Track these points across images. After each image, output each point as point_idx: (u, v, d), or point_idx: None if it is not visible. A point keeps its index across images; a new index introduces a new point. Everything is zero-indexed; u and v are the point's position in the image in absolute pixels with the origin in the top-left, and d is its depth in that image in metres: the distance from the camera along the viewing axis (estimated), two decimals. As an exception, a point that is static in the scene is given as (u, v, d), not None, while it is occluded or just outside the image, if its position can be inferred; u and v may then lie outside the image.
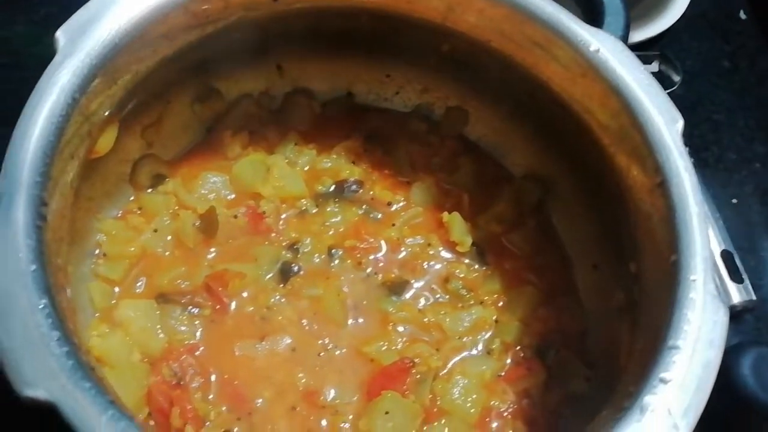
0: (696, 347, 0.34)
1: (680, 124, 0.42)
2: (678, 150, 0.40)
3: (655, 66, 0.79)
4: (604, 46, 0.43)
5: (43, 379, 0.28)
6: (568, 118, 0.50)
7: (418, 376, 0.51)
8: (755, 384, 0.56)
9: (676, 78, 0.77)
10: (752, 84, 0.82)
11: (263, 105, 0.60)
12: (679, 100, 0.78)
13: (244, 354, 0.51)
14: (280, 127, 0.60)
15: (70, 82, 0.36)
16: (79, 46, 0.37)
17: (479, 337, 0.54)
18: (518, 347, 0.53)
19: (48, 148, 0.34)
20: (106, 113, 0.41)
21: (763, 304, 0.68)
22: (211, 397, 0.49)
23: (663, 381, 0.33)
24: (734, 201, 0.74)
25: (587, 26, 0.45)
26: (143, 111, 0.50)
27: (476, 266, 0.56)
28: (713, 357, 0.34)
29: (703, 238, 0.37)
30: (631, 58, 0.44)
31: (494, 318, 0.54)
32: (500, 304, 0.55)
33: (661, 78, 0.78)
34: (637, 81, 0.42)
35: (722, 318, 0.35)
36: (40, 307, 0.30)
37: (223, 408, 0.49)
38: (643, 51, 0.78)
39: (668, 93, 0.76)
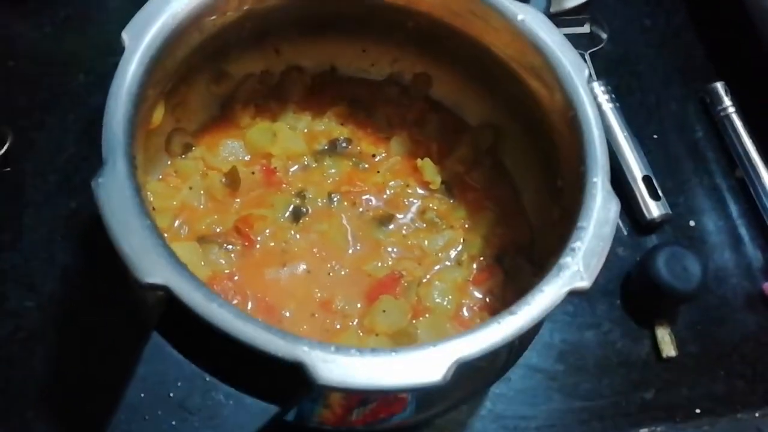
0: (596, 226, 0.48)
1: (586, 71, 0.55)
2: (584, 90, 0.54)
3: (586, 27, 0.92)
4: (528, 16, 0.57)
5: (158, 270, 0.42)
6: (507, 74, 0.63)
7: (406, 284, 0.63)
8: (667, 273, 0.72)
9: (604, 36, 0.91)
10: (669, 37, 0.96)
11: (265, 82, 0.72)
12: (607, 55, 0.94)
13: (271, 277, 0.63)
14: (280, 100, 0.72)
15: (138, 70, 0.48)
16: (140, 43, 0.49)
17: (451, 252, 0.67)
18: (481, 257, 0.66)
19: (131, 119, 0.47)
20: (159, 93, 0.54)
21: (678, 217, 0.83)
22: (249, 310, 0.63)
23: (573, 249, 0.48)
24: (655, 136, 0.88)
25: (515, 2, 0.59)
26: (173, 92, 0.62)
27: (445, 200, 0.69)
28: (607, 231, 0.48)
29: (602, 152, 0.51)
30: (548, 24, 0.57)
31: (462, 238, 0.68)
32: (466, 226, 0.68)
33: (592, 37, 0.91)
34: (553, 41, 0.56)
35: (614, 206, 0.50)
36: (147, 225, 0.43)
37: (260, 318, 0.62)
38: (576, 15, 0.91)
39: (598, 50, 0.92)
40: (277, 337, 0.41)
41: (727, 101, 0.89)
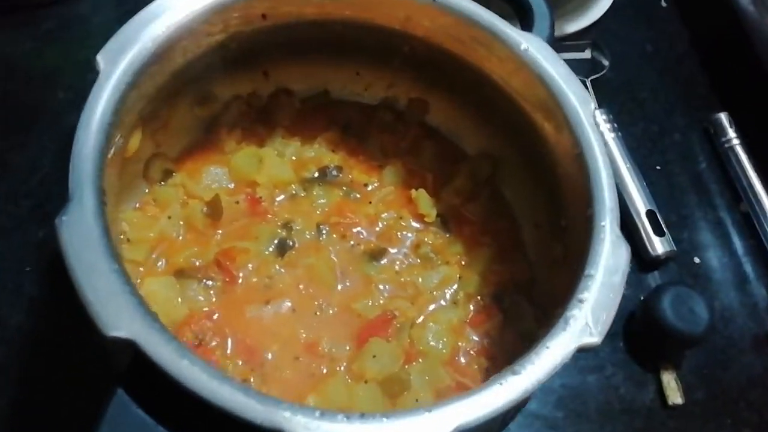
0: (605, 275, 0.45)
1: (592, 106, 0.52)
2: (591, 127, 0.51)
3: (587, 53, 0.89)
4: (532, 45, 0.54)
5: (124, 322, 0.38)
6: (508, 104, 0.60)
7: (398, 326, 0.60)
8: (672, 315, 0.68)
9: (606, 63, 0.88)
10: (672, 64, 0.93)
11: (252, 104, 0.69)
12: (608, 82, 0.91)
13: (253, 316, 0.59)
14: (268, 124, 0.69)
15: (113, 96, 0.44)
16: (116, 67, 0.46)
17: (446, 290, 0.63)
18: (478, 296, 0.63)
19: (102, 149, 0.43)
20: (136, 118, 0.50)
21: (682, 254, 0.80)
22: (228, 353, 0.58)
23: (581, 300, 0.44)
24: (658, 167, 0.86)
25: (518, 30, 0.56)
26: (153, 116, 0.58)
27: (441, 233, 0.66)
28: (618, 281, 0.45)
29: (610, 194, 0.48)
30: (553, 54, 0.54)
31: (458, 275, 0.64)
32: (462, 263, 0.65)
33: (593, 63, 0.88)
34: (558, 73, 0.53)
35: (624, 253, 0.46)
36: (115, 270, 0.39)
37: (239, 362, 0.57)
38: (577, 41, 0.88)
39: (599, 76, 0.89)
40: (255, 401, 0.37)
41: (731, 132, 0.87)
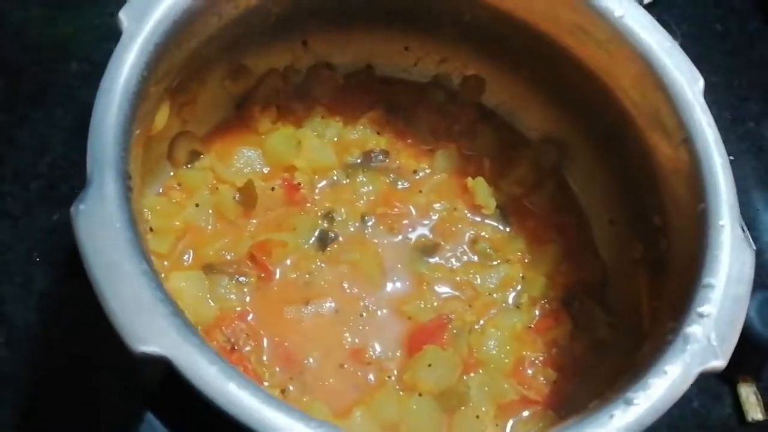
0: (728, 284, 0.38)
1: (701, 83, 0.45)
2: (701, 107, 0.43)
3: (653, 31, 0.81)
4: (628, 12, 0.46)
5: (155, 336, 0.31)
6: (587, 83, 0.53)
7: (455, 331, 0.54)
8: (760, 323, 0.61)
9: (675, 42, 0.80)
10: (744, 45, 0.85)
11: (289, 79, 0.61)
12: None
13: (292, 317, 0.53)
14: (306, 101, 0.62)
15: (139, 60, 0.37)
16: (142, 26, 0.38)
17: (508, 292, 0.57)
18: (544, 300, 0.56)
19: (126, 124, 0.36)
20: (163, 90, 0.43)
21: (761, 253, 0.72)
22: (264, 359, 0.52)
23: (701, 315, 0.37)
24: (731, 158, 0.77)
25: (608, -5, 0.48)
26: (181, 89, 0.51)
27: (501, 227, 0.59)
28: (743, 292, 0.38)
29: (728, 187, 0.41)
30: (653, 22, 0.46)
31: (521, 275, 0.58)
32: (525, 261, 0.58)
33: (660, 42, 0.81)
34: (659, 44, 0.45)
35: (749, 258, 0.39)
36: (142, 271, 0.32)
37: (277, 369, 0.51)
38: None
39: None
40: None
41: (810, 120, 0.78)
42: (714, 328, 0.36)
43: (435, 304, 0.55)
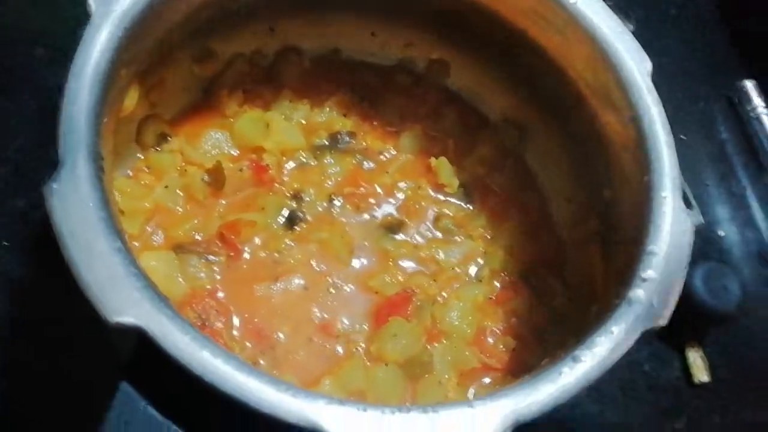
0: (669, 251, 0.41)
1: (649, 65, 0.47)
2: (647, 87, 0.46)
3: (609, 15, 0.84)
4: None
5: (130, 307, 0.32)
6: (544, 66, 0.55)
7: (419, 304, 0.56)
8: (705, 292, 0.64)
9: (630, 27, 0.83)
10: (696, 29, 0.88)
11: (256, 63, 0.62)
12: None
13: (261, 294, 0.54)
14: (273, 85, 0.63)
15: (109, 42, 0.38)
16: (112, 9, 0.39)
17: (470, 266, 0.59)
18: (504, 273, 0.59)
19: (98, 106, 0.37)
20: (133, 73, 0.44)
21: (708, 226, 0.76)
22: (235, 334, 0.53)
23: (644, 279, 0.39)
24: (682, 137, 0.81)
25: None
26: (150, 72, 0.52)
27: (463, 205, 0.62)
28: (683, 258, 0.41)
29: (671, 161, 0.44)
30: (604, 8, 0.49)
31: (482, 250, 0.60)
32: (487, 237, 0.61)
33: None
34: (610, 28, 0.48)
35: (689, 226, 0.42)
36: (116, 248, 0.33)
37: (247, 344, 0.53)
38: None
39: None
40: (289, 395, 0.32)
41: (756, 101, 0.82)
42: (656, 292, 0.39)
43: (400, 278, 0.57)
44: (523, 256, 0.60)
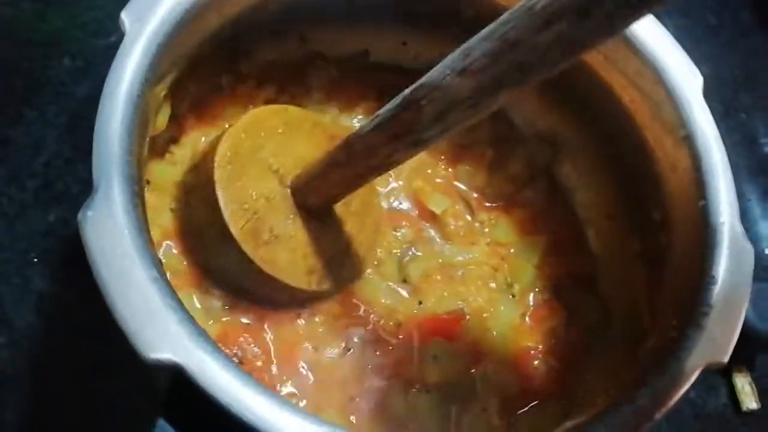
0: (729, 282, 0.38)
1: (700, 80, 0.45)
2: (700, 105, 0.44)
3: (646, 23, 0.82)
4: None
5: (167, 343, 0.31)
6: (586, 79, 0.53)
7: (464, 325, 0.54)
8: (753, 315, 0.62)
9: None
10: (736, 37, 0.86)
11: (286, 72, 0.61)
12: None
13: None
14: (301, 90, 0.62)
15: (142, 62, 0.37)
16: (146, 27, 0.38)
17: (500, 283, 0.57)
18: (536, 290, 0.57)
19: (131, 128, 0.35)
20: (165, 91, 0.43)
21: (753, 244, 0.73)
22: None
23: (703, 313, 0.37)
24: (723, 150, 0.78)
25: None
26: (180, 87, 0.51)
27: (493, 220, 0.60)
28: (744, 289, 0.38)
29: (728, 185, 0.41)
30: (651, 20, 0.47)
31: (511, 266, 0.58)
32: (514, 252, 0.58)
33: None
34: (658, 41, 0.46)
35: (748, 255, 0.40)
36: (153, 278, 0.32)
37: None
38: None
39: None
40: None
41: (800, 112, 0.79)
42: (715, 326, 0.37)
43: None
44: (553, 272, 0.58)
